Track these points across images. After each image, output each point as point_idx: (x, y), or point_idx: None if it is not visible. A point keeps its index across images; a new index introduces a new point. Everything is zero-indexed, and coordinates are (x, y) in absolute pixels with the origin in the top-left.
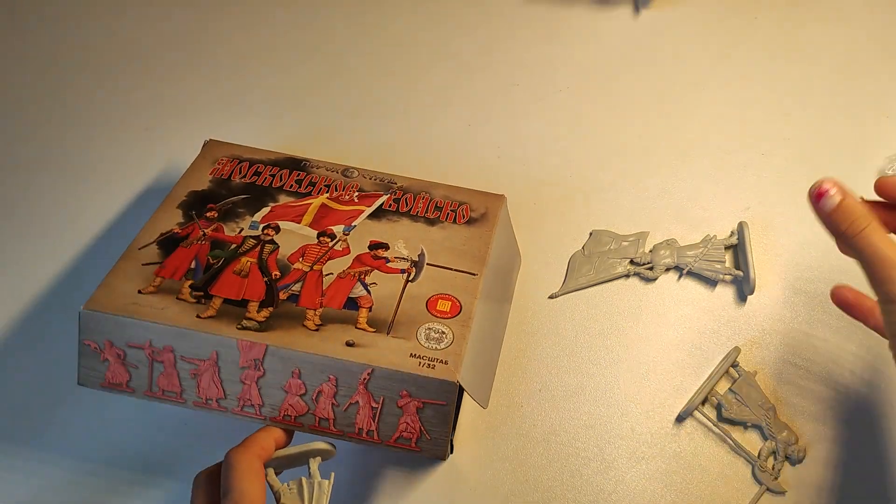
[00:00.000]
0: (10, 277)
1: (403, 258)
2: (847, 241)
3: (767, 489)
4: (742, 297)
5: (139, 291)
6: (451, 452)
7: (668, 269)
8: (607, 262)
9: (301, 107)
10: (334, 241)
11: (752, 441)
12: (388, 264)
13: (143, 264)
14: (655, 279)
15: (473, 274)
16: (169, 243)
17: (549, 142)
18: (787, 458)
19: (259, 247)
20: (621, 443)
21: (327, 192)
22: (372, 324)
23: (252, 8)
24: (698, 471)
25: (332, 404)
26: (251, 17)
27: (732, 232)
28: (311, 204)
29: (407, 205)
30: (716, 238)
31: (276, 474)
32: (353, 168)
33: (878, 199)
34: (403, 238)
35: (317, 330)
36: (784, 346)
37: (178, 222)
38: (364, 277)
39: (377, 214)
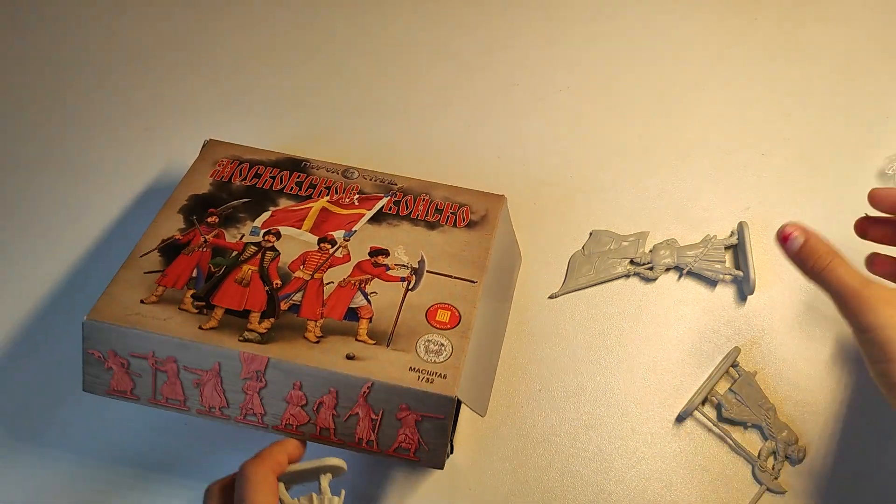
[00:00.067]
0: (11, 277)
1: (403, 265)
2: (814, 277)
3: (767, 489)
4: (742, 297)
5: (141, 301)
6: (451, 452)
7: (668, 269)
8: (607, 262)
9: (301, 107)
10: (335, 248)
11: (752, 441)
12: (389, 272)
13: (144, 272)
14: (655, 279)
15: (473, 281)
16: (170, 250)
17: (549, 142)
18: (787, 458)
19: (260, 254)
20: (621, 443)
21: (328, 194)
22: (372, 335)
23: (252, 8)
24: (698, 471)
25: (333, 415)
26: (251, 17)
27: (732, 232)
28: (311, 208)
29: (407, 207)
30: (716, 238)
31: (287, 489)
32: (353, 169)
33: (878, 213)
34: (403, 243)
35: (317, 342)
36: (784, 346)
37: (179, 228)
38: (364, 286)
39: (377, 218)
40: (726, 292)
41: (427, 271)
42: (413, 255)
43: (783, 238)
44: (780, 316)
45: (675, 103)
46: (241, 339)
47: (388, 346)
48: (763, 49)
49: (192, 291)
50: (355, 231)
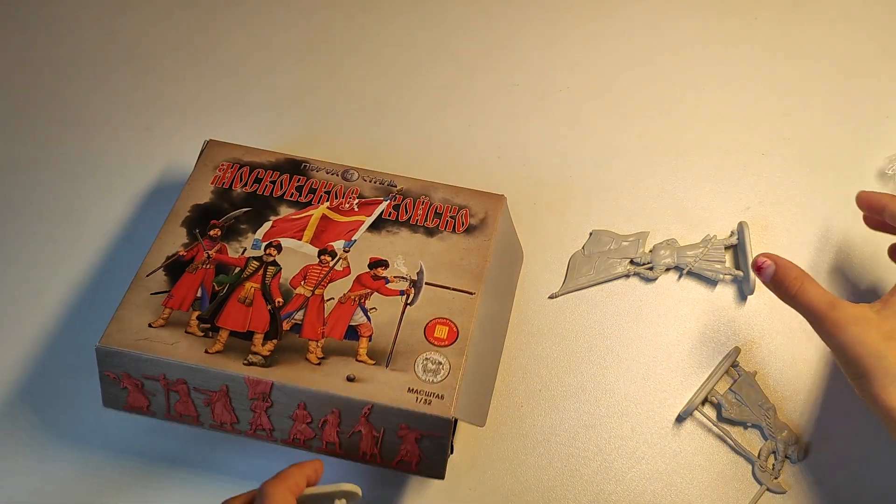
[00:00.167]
0: (11, 277)
1: (403, 277)
2: (788, 302)
3: (767, 489)
4: (742, 297)
5: (149, 325)
6: (451, 453)
7: (668, 269)
8: (607, 262)
9: (301, 107)
10: (335, 261)
11: (752, 441)
12: (388, 285)
13: (151, 293)
14: (655, 279)
15: (471, 293)
16: (175, 268)
17: (549, 142)
18: (787, 457)
19: (262, 270)
20: (621, 443)
21: (327, 199)
22: (371, 355)
23: (252, 8)
24: (698, 471)
25: (337, 431)
26: (251, 17)
27: (732, 232)
28: (311, 216)
29: (406, 212)
30: (716, 238)
31: None
32: (352, 170)
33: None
34: (403, 252)
35: (319, 364)
36: (784, 346)
37: (182, 243)
38: (364, 301)
39: (377, 225)
40: (726, 292)
41: (426, 283)
42: (412, 266)
43: (757, 269)
44: (780, 316)
45: (675, 103)
46: (245, 362)
47: (387, 366)
48: (763, 49)
49: (197, 313)
50: (355, 241)
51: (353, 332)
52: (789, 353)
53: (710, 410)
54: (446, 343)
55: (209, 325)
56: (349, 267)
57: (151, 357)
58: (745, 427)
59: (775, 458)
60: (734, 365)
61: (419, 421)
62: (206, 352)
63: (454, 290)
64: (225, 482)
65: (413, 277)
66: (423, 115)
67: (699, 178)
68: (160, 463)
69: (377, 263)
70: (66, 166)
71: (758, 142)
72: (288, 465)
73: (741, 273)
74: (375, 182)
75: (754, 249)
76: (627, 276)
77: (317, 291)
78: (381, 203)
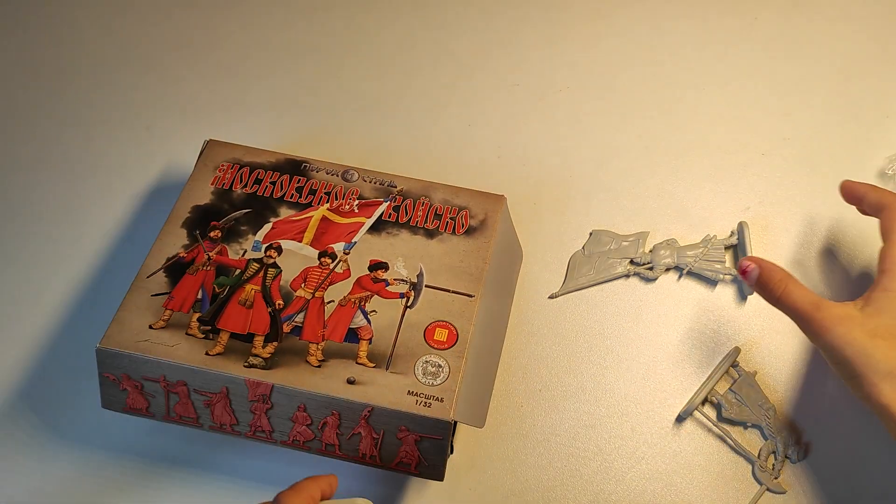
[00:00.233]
0: (11, 277)
1: (403, 280)
2: (774, 304)
3: (767, 489)
4: (742, 297)
5: (150, 326)
6: (451, 453)
7: (668, 269)
8: (607, 262)
9: (301, 107)
10: (335, 263)
11: (752, 441)
12: (388, 288)
13: (152, 295)
14: (655, 279)
15: (471, 296)
16: (175, 269)
17: (549, 142)
18: (787, 457)
19: (262, 272)
20: (621, 443)
21: (327, 200)
22: (371, 358)
23: (252, 8)
24: (698, 471)
25: (337, 433)
26: (251, 17)
27: (732, 232)
28: (311, 217)
29: (406, 213)
30: (716, 238)
31: None
32: (352, 170)
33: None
34: (403, 255)
35: (319, 366)
36: (784, 346)
37: (183, 244)
38: (364, 304)
39: (377, 227)
40: (726, 292)
41: (426, 286)
42: (412, 269)
43: (741, 273)
44: (780, 316)
45: (675, 103)
46: (246, 364)
47: (387, 368)
48: (763, 49)
49: (197, 315)
50: (355, 243)
51: (353, 335)
52: (789, 353)
53: (710, 410)
54: (446, 346)
55: (210, 327)
56: (349, 269)
57: (152, 359)
58: (745, 427)
59: (775, 458)
60: (734, 365)
61: (419, 423)
62: (207, 354)
63: (454, 292)
64: (225, 483)
65: (413, 280)
66: (423, 115)
67: (699, 178)
68: (160, 463)
69: (377, 266)
70: (66, 166)
71: (758, 142)
72: (303, 478)
73: None
74: (375, 182)
75: (754, 249)
76: (627, 276)
77: (317, 294)
78: (381, 204)
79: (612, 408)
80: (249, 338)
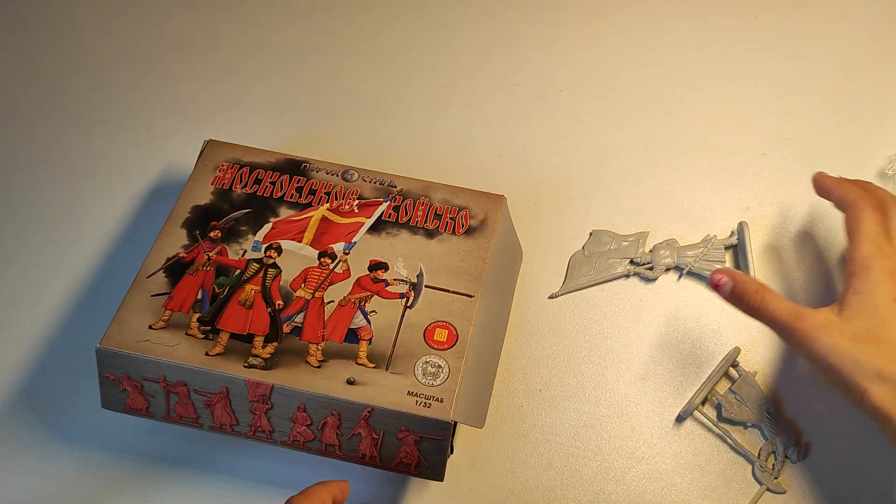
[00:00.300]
0: (11, 277)
1: (403, 280)
2: (752, 315)
3: (767, 489)
4: None
5: (150, 326)
6: (451, 453)
7: (668, 270)
8: (607, 262)
9: (301, 107)
10: (335, 263)
11: (752, 441)
12: (388, 288)
13: (152, 295)
14: (655, 279)
15: (470, 296)
16: (175, 270)
17: (549, 142)
18: (787, 457)
19: (262, 272)
20: (621, 443)
21: (327, 200)
22: (371, 358)
23: (252, 8)
24: (698, 471)
25: (337, 433)
26: (251, 17)
27: (732, 232)
28: (311, 217)
29: (406, 213)
30: (716, 238)
31: None
32: (352, 170)
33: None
34: (402, 255)
35: (319, 367)
36: (784, 345)
37: (182, 245)
38: (364, 304)
39: (376, 227)
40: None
41: (426, 286)
42: (412, 269)
43: (715, 286)
44: None
45: (675, 103)
46: (246, 365)
47: (386, 369)
48: (763, 49)
49: (197, 315)
50: (355, 243)
51: (353, 336)
52: (789, 353)
53: (710, 410)
54: (446, 346)
55: (210, 328)
56: (349, 269)
57: (152, 359)
58: (745, 427)
59: (775, 458)
60: (734, 365)
61: (419, 424)
62: (207, 354)
63: (454, 293)
64: (225, 483)
65: (413, 280)
66: (423, 115)
67: (699, 178)
68: (160, 463)
69: (377, 266)
70: (66, 166)
71: (758, 142)
72: (315, 483)
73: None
74: (375, 182)
75: (754, 249)
76: (627, 276)
77: (317, 294)
78: (381, 204)
79: (612, 408)
80: (249, 338)
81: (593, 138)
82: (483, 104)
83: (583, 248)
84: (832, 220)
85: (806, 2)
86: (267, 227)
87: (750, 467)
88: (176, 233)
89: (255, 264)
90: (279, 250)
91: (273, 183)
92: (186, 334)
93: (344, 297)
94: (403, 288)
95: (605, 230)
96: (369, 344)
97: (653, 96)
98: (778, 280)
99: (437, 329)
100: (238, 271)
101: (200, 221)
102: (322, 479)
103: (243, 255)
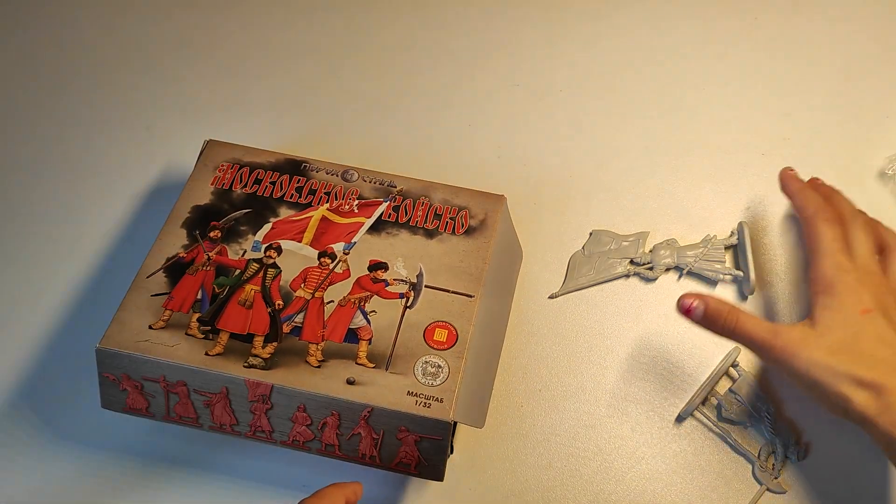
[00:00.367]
0: (11, 277)
1: (402, 280)
2: (726, 336)
3: (767, 489)
4: (742, 296)
5: (150, 326)
6: (451, 453)
7: (668, 270)
8: (607, 262)
9: (301, 107)
10: (335, 263)
11: (752, 441)
12: (388, 288)
13: (151, 295)
14: (655, 279)
15: (470, 296)
16: (175, 270)
17: (549, 142)
18: (787, 457)
19: (262, 272)
20: (621, 443)
21: (327, 200)
22: (371, 358)
23: (252, 8)
24: (698, 471)
25: (337, 433)
26: (251, 17)
27: (732, 232)
28: (311, 217)
29: (406, 213)
30: (716, 238)
31: None
32: (352, 170)
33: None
34: (402, 255)
35: (319, 367)
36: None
37: (182, 244)
38: (364, 304)
39: (376, 227)
40: (726, 292)
41: (425, 286)
42: (412, 269)
43: (685, 311)
44: (779, 316)
45: (675, 103)
46: (245, 364)
47: (386, 369)
48: (763, 49)
49: (197, 315)
50: (355, 243)
51: (352, 336)
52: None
53: (710, 410)
54: (445, 346)
55: (209, 328)
56: (349, 269)
57: (151, 359)
58: (745, 427)
59: (775, 458)
60: (734, 365)
61: (418, 424)
62: (207, 354)
63: (454, 293)
64: (225, 483)
65: (413, 280)
66: (423, 115)
67: (699, 178)
68: (160, 463)
69: (377, 266)
70: (66, 166)
71: (758, 142)
72: (328, 485)
73: (741, 273)
74: (375, 182)
75: (754, 249)
76: (627, 276)
77: (317, 294)
78: (380, 204)
79: (612, 408)
80: (249, 338)
81: (593, 138)
82: (483, 104)
83: (583, 248)
84: None
85: (806, 2)
86: (267, 227)
87: (750, 467)
88: (176, 233)
89: (254, 264)
90: (279, 250)
91: (273, 183)
92: (186, 334)
93: (344, 297)
94: (403, 288)
95: (605, 230)
96: (369, 344)
97: (653, 96)
98: (778, 280)
99: (437, 329)
100: (238, 271)
101: (200, 221)
102: (321, 479)
103: (243, 255)
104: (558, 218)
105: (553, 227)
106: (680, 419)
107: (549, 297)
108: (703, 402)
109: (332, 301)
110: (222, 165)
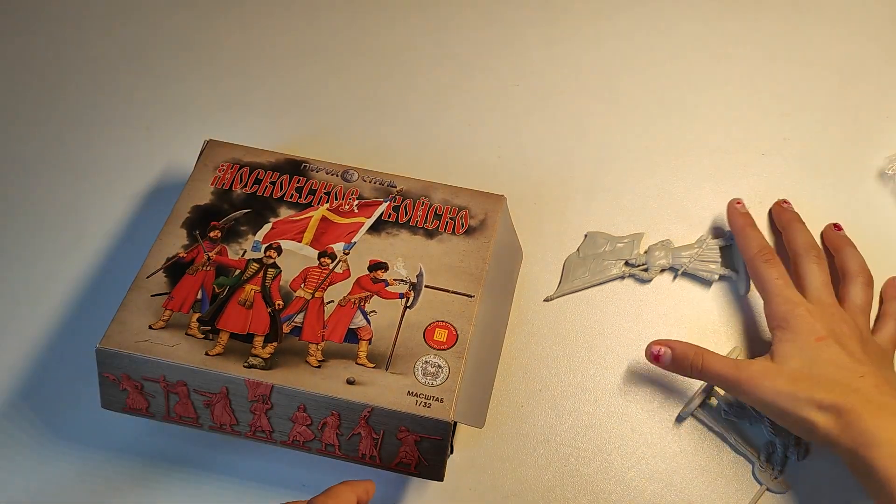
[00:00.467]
0: (11, 277)
1: (402, 280)
2: (695, 377)
3: (767, 489)
4: (738, 296)
5: (150, 326)
6: (451, 453)
7: (662, 271)
8: (602, 263)
9: (301, 107)
10: (335, 263)
11: (752, 441)
12: (388, 288)
13: (151, 295)
14: (650, 280)
15: (470, 296)
16: (175, 270)
17: (549, 142)
18: (787, 457)
19: (262, 272)
20: (621, 443)
21: (327, 200)
22: (371, 358)
23: (252, 8)
24: (698, 471)
25: (337, 433)
26: (251, 17)
27: (727, 232)
28: (311, 217)
29: (406, 213)
30: (710, 238)
31: None
32: (352, 170)
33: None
34: (402, 255)
35: (319, 367)
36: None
37: (182, 245)
38: (364, 304)
39: (376, 227)
40: (723, 292)
41: (425, 286)
42: (412, 269)
43: (654, 358)
44: None
45: (675, 103)
46: (245, 365)
47: (386, 369)
48: (763, 49)
49: (197, 315)
50: (355, 243)
51: (352, 336)
52: None
53: (710, 410)
54: (445, 346)
55: (209, 328)
56: (349, 269)
57: (152, 359)
58: (745, 427)
59: (775, 458)
60: None
61: (419, 424)
62: (207, 354)
63: (454, 293)
64: (225, 483)
65: (413, 280)
66: (423, 115)
67: (699, 178)
68: (160, 463)
69: (377, 266)
70: (66, 166)
71: (758, 142)
72: (339, 483)
73: (735, 273)
74: (375, 182)
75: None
76: (622, 277)
77: (317, 294)
78: (380, 204)
79: (612, 408)
80: (249, 338)
81: (593, 138)
82: (483, 104)
83: (577, 250)
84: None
85: (806, 2)
86: (267, 227)
87: (750, 467)
88: (176, 233)
89: (254, 264)
90: (279, 250)
91: (273, 183)
92: (186, 334)
93: (344, 297)
94: (403, 288)
95: (600, 232)
96: (369, 344)
97: (653, 96)
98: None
99: (437, 329)
100: (238, 271)
101: (200, 221)
102: (321, 479)
103: (243, 255)
104: (558, 218)
105: (553, 227)
106: (680, 419)
107: (545, 300)
108: (703, 402)
109: (332, 301)
110: (222, 165)
